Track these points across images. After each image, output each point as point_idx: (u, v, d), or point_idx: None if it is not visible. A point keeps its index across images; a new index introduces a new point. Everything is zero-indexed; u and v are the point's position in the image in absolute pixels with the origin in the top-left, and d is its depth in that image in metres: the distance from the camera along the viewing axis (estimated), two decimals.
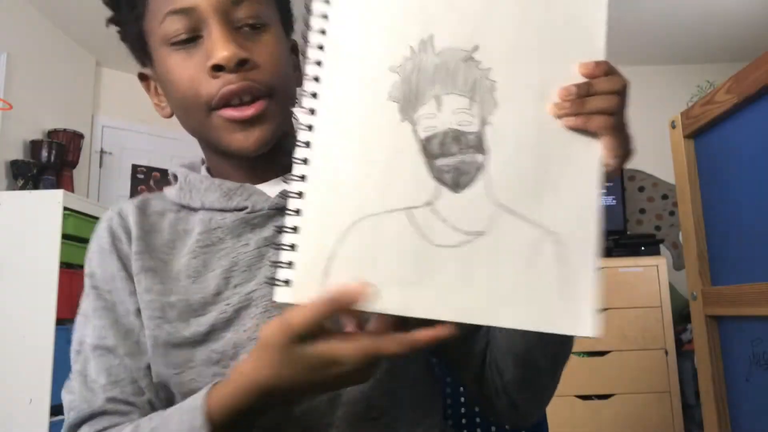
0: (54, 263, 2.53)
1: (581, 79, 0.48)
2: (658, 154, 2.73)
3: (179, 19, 0.59)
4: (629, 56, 3.75)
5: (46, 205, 2.59)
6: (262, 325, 0.59)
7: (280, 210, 0.64)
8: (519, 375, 0.62)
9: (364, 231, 0.46)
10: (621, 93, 0.49)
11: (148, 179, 3.99)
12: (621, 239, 3.08)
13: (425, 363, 0.67)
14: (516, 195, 0.48)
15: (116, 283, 0.63)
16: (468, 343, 0.65)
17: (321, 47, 0.49)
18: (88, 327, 0.63)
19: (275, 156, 0.65)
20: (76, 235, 2.75)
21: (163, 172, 4.06)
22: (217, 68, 0.58)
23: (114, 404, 0.59)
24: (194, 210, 0.67)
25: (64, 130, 3.20)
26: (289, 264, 0.46)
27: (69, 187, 3.14)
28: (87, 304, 0.64)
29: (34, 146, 3.02)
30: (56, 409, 2.53)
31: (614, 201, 3.31)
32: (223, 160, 0.67)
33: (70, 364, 0.63)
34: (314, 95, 0.48)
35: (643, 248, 2.99)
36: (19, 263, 2.53)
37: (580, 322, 0.46)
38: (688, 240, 1.25)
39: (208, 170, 0.71)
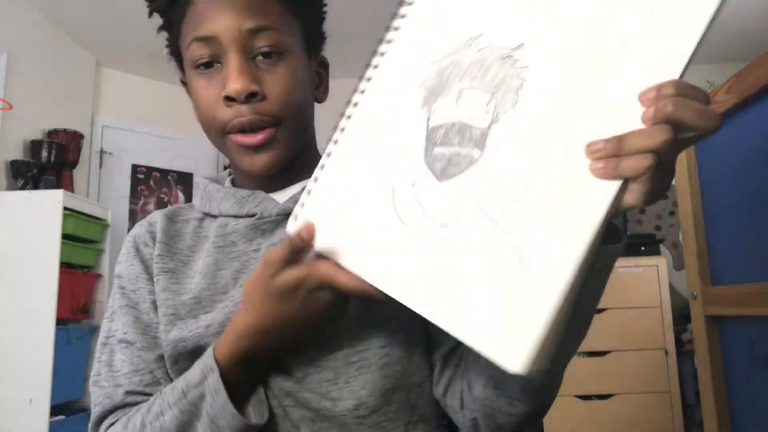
0: (54, 263, 2.54)
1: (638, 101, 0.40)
2: None
3: (202, 46, 0.64)
4: None
5: (46, 205, 2.60)
6: None
7: (288, 215, 0.65)
8: (488, 416, 0.59)
9: (354, 197, 0.51)
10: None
11: (148, 179, 3.99)
12: None
13: (422, 363, 0.66)
14: (493, 198, 0.44)
15: (139, 284, 0.70)
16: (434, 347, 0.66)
17: (389, 41, 0.53)
18: (115, 323, 0.69)
19: (292, 167, 0.70)
20: (76, 235, 2.75)
21: (163, 172, 4.06)
22: (229, 99, 0.63)
23: (133, 396, 0.64)
24: (214, 217, 0.74)
25: (64, 130, 3.20)
26: (302, 205, 0.54)
27: (69, 187, 3.15)
28: (114, 302, 0.70)
29: (34, 146, 3.02)
30: (56, 409, 2.53)
31: None
32: (241, 171, 0.74)
33: (95, 356, 0.70)
34: (368, 79, 0.53)
35: (643, 248, 2.99)
36: (19, 263, 2.53)
37: (511, 351, 0.40)
38: (688, 240, 1.25)
39: (233, 179, 0.78)
